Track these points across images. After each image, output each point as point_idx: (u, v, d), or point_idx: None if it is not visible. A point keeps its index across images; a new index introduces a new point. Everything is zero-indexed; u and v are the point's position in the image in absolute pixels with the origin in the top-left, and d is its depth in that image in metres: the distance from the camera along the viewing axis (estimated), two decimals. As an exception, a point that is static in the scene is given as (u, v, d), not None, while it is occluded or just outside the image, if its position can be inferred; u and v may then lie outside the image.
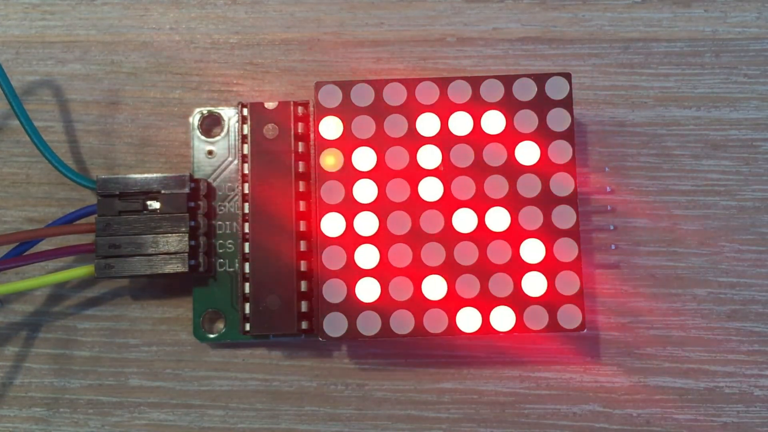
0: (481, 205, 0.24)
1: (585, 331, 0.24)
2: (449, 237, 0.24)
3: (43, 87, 0.28)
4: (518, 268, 0.24)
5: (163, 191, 0.25)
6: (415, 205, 0.24)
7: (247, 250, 0.25)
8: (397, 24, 0.28)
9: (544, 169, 0.24)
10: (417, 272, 0.24)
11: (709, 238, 0.26)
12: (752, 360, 0.26)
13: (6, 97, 0.25)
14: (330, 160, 0.24)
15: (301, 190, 0.25)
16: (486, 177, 0.24)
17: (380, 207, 0.24)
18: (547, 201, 0.24)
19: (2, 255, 0.25)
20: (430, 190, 0.24)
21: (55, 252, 0.25)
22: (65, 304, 0.27)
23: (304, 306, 0.25)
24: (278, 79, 0.27)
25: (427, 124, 0.25)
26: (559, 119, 0.24)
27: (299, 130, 0.25)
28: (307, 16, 0.28)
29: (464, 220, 0.24)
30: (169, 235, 0.25)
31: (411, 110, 0.25)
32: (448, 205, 0.24)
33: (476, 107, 0.24)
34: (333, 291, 0.24)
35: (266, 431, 0.26)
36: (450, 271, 0.24)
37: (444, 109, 0.25)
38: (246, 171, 0.25)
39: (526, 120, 0.24)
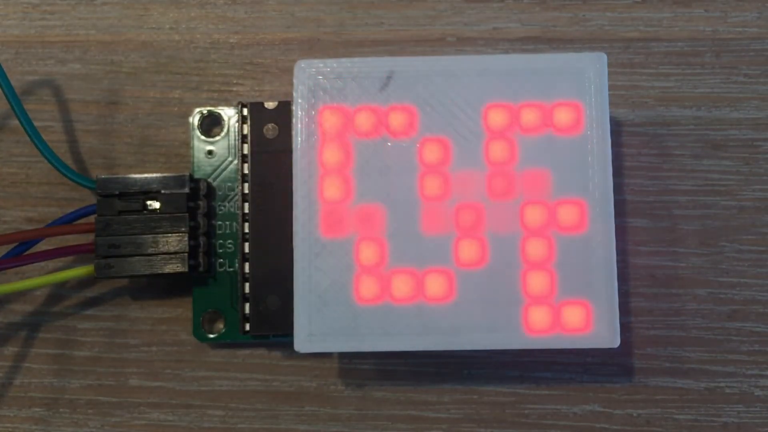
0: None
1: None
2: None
3: (42, 87, 0.28)
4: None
5: (162, 191, 0.25)
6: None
7: (247, 250, 0.25)
8: (397, 24, 0.28)
9: None
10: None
11: (709, 238, 0.26)
12: (753, 360, 0.26)
13: (6, 97, 0.25)
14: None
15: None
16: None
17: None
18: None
19: (2, 255, 0.25)
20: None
21: (54, 252, 0.25)
22: (65, 304, 0.27)
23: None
24: (278, 79, 0.27)
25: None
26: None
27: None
28: (307, 16, 0.28)
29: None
30: (169, 235, 0.25)
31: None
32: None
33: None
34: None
35: (266, 431, 0.26)
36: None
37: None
38: (246, 171, 0.25)
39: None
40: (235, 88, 0.27)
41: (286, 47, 0.28)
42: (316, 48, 0.28)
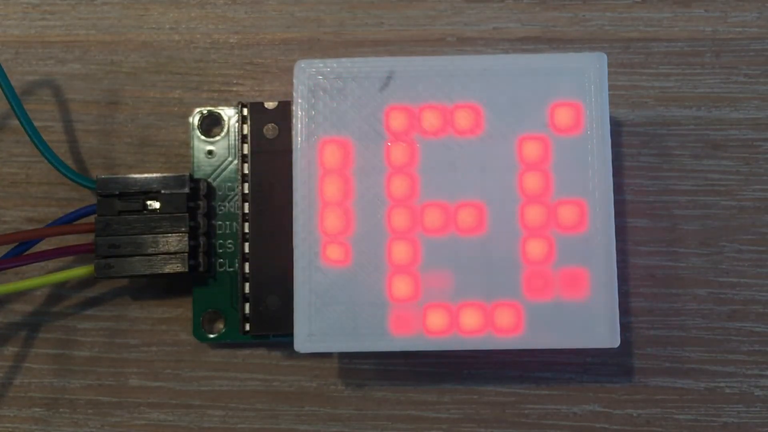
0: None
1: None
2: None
3: (42, 87, 0.28)
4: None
5: (162, 191, 0.25)
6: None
7: (247, 250, 0.25)
8: (397, 24, 0.28)
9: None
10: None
11: (709, 238, 0.26)
12: (753, 360, 0.26)
13: (6, 97, 0.25)
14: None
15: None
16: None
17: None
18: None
19: (2, 255, 0.25)
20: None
21: (54, 252, 0.25)
22: (65, 304, 0.27)
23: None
24: (278, 79, 0.27)
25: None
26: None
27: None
28: (307, 16, 0.28)
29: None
30: (169, 235, 0.25)
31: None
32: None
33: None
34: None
35: (266, 431, 0.26)
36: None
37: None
38: (246, 171, 0.25)
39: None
40: (235, 88, 0.27)
41: (286, 47, 0.28)
42: (316, 48, 0.28)
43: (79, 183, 0.25)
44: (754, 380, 0.25)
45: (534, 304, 0.23)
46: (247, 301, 0.25)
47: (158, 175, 0.25)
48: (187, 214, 0.25)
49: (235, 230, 0.26)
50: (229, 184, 0.26)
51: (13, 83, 0.25)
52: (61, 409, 0.26)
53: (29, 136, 0.25)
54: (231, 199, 0.26)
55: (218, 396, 0.26)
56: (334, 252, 0.24)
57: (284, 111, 0.26)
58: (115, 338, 0.26)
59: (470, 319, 0.23)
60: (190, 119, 0.26)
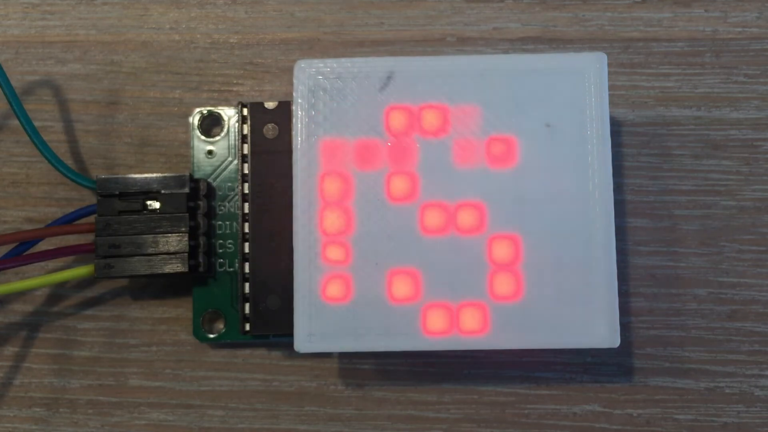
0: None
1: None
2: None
3: (42, 87, 0.28)
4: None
5: (163, 191, 0.25)
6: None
7: (247, 250, 0.25)
8: (397, 24, 0.28)
9: None
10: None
11: (709, 238, 0.26)
12: (753, 360, 0.26)
13: (6, 97, 0.25)
14: None
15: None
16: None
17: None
18: None
19: (2, 255, 0.25)
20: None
21: (54, 252, 0.25)
22: (65, 304, 0.27)
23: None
24: (278, 79, 0.27)
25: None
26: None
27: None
28: (307, 16, 0.28)
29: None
30: (169, 235, 0.25)
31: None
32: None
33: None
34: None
35: (266, 431, 0.26)
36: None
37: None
38: (246, 171, 0.25)
39: None
40: (235, 88, 0.27)
41: (286, 47, 0.28)
42: (316, 48, 0.28)
43: (79, 183, 0.25)
44: (754, 380, 0.25)
45: (534, 304, 0.23)
46: (247, 301, 0.25)
47: (158, 175, 0.25)
48: (187, 214, 0.25)
49: (235, 230, 0.26)
50: (229, 184, 0.26)
51: (13, 83, 0.25)
52: (61, 409, 0.26)
53: (29, 136, 0.25)
54: (231, 199, 0.26)
55: (218, 396, 0.26)
56: (334, 252, 0.24)
57: (284, 111, 0.26)
58: (115, 338, 0.26)
59: (470, 319, 0.23)
60: (190, 119, 0.26)
